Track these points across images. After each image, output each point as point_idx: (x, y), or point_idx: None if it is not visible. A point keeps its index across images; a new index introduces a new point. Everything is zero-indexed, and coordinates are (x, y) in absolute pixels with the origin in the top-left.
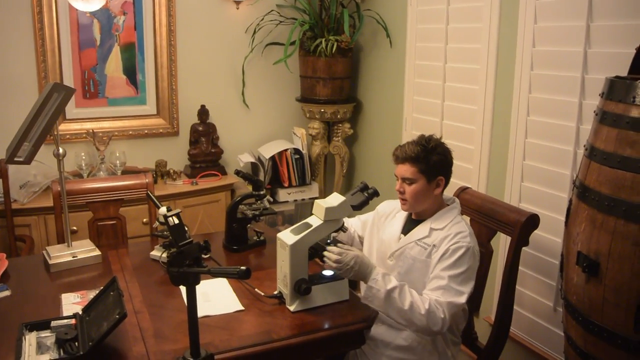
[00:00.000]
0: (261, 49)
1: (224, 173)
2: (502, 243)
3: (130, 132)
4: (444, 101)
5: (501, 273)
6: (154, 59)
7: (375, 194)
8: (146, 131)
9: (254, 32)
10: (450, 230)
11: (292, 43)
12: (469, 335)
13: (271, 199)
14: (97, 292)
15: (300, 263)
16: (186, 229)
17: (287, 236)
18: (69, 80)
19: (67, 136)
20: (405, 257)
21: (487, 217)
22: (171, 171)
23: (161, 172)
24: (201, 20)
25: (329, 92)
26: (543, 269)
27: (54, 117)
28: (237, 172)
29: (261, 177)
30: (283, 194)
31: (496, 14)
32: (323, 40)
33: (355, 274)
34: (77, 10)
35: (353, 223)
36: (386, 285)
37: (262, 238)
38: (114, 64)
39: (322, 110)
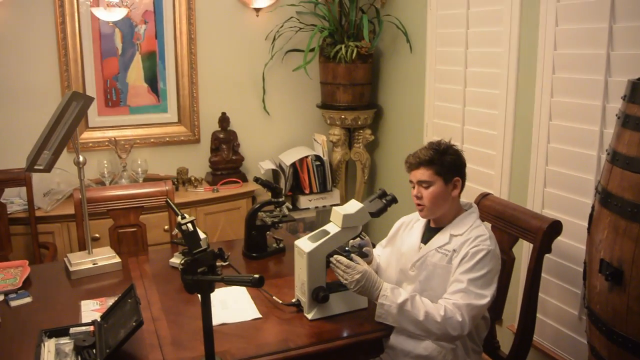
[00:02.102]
0: (281, 56)
1: (245, 180)
2: (524, 250)
3: (152, 140)
4: (465, 106)
5: (524, 280)
6: (175, 67)
7: (394, 200)
8: (167, 139)
9: (274, 39)
10: (470, 235)
11: (312, 50)
12: (490, 344)
13: (290, 206)
14: (116, 299)
15: (317, 271)
16: (204, 236)
17: (305, 243)
18: (91, 89)
19: (90, 144)
20: (427, 265)
21: (508, 224)
22: (192, 178)
23: (182, 179)
24: (221, 27)
25: (350, 98)
26: (567, 276)
27: (74, 125)
28: (256, 180)
29: (282, 184)
30: (304, 201)
31: (516, 17)
32: (343, 46)
33: (361, 289)
34: (99, 19)
35: (377, 252)
36: (397, 299)
37: (281, 245)
38: (136, 73)
39: (343, 116)
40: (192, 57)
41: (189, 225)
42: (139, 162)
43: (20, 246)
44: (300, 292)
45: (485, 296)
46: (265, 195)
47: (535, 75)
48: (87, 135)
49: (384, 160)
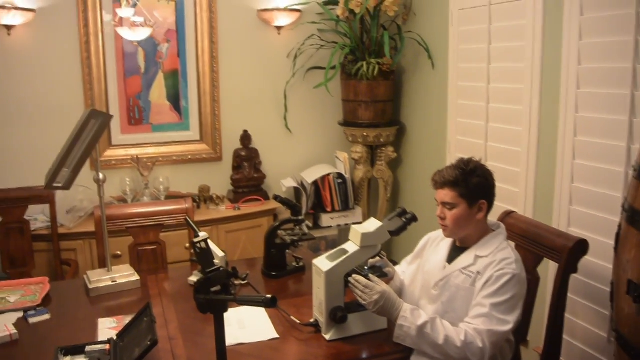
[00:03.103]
0: (303, 74)
1: (266, 198)
2: (550, 270)
3: (174, 158)
4: (488, 123)
5: (549, 301)
6: (197, 86)
7: (414, 219)
8: (189, 156)
9: (295, 57)
10: (495, 257)
11: (333, 67)
12: None
13: (310, 225)
14: (133, 317)
15: (336, 290)
16: (222, 254)
17: (323, 263)
18: (114, 107)
19: (113, 162)
20: (450, 286)
21: (532, 243)
22: (214, 196)
23: (204, 197)
24: (243, 46)
25: (372, 115)
26: (595, 297)
27: (93, 142)
28: (276, 197)
29: (304, 202)
30: (326, 219)
31: (539, 31)
32: (364, 63)
33: (380, 310)
34: (122, 39)
35: (402, 269)
36: (416, 321)
37: (301, 264)
38: (158, 91)
39: (365, 134)
40: (214, 75)
41: (202, 243)
42: (161, 180)
43: (43, 263)
44: (319, 312)
45: (508, 322)
46: (286, 213)
47: (560, 90)
48: (109, 153)
49: (406, 178)
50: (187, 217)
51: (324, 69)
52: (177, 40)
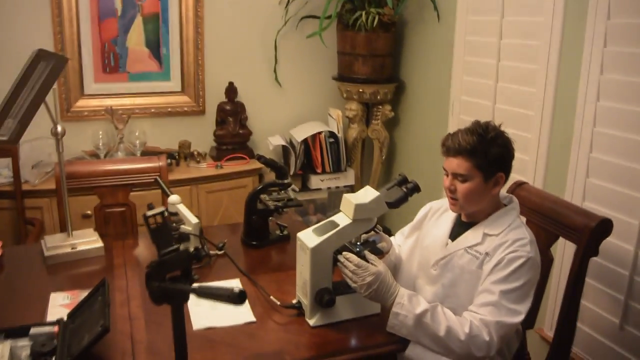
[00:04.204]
0: (296, 22)
1: (252, 156)
2: (564, 250)
3: (153, 110)
4: (498, 82)
5: (558, 283)
6: (179, 32)
7: (416, 189)
8: (169, 109)
9: (288, 3)
10: (507, 237)
11: (329, 16)
12: (519, 355)
13: (297, 189)
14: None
15: (323, 269)
16: (196, 220)
17: (309, 237)
18: (87, 53)
19: (85, 113)
20: (453, 266)
21: (547, 219)
22: (195, 153)
23: (184, 153)
24: None
25: (369, 70)
26: (609, 279)
27: (44, 88)
28: (259, 158)
29: (292, 161)
30: (316, 181)
31: None
32: (363, 12)
33: (373, 294)
34: None
35: (398, 241)
36: (414, 309)
37: (285, 233)
38: (136, 36)
39: (361, 90)
40: (198, 21)
41: (158, 217)
42: (137, 134)
43: (6, 222)
44: (302, 293)
45: (519, 313)
46: (272, 174)
47: (583, 48)
48: (82, 104)
49: (404, 140)
50: (157, 178)
51: (318, 17)
52: None
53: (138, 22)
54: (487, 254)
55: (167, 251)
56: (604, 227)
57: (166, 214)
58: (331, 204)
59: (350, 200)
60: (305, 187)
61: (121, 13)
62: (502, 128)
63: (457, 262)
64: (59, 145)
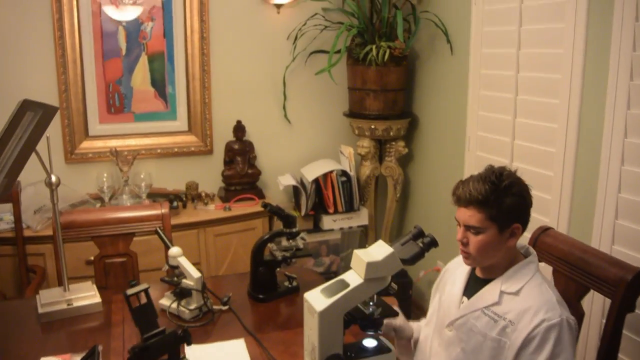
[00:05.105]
0: (304, 58)
1: (261, 197)
2: (592, 301)
3: (159, 151)
4: (516, 117)
5: (587, 337)
6: (185, 70)
7: (433, 243)
8: (176, 149)
9: (296, 39)
10: (529, 300)
11: (338, 51)
12: None
13: (305, 238)
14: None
15: (333, 334)
16: (198, 274)
17: (317, 298)
18: (92, 94)
19: (90, 155)
20: (470, 330)
21: (576, 270)
22: (203, 194)
23: (192, 195)
24: (237, 26)
25: (381, 105)
26: None
27: (32, 140)
28: (265, 206)
29: (303, 202)
30: (328, 221)
31: (583, 10)
32: (374, 47)
33: None
34: (100, 15)
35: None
36: None
37: (295, 284)
38: (141, 76)
39: (373, 126)
40: (204, 59)
41: (142, 295)
42: (142, 176)
43: (8, 269)
44: (311, 358)
45: None
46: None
47: (607, 81)
48: (86, 145)
49: (419, 177)
50: (157, 229)
51: (327, 52)
52: (162, 19)
53: (143, 61)
54: (510, 322)
55: (151, 334)
56: None
57: (149, 291)
58: (344, 245)
59: (362, 257)
60: (317, 228)
61: (126, 52)
62: (521, 165)
63: (475, 325)
64: (53, 196)
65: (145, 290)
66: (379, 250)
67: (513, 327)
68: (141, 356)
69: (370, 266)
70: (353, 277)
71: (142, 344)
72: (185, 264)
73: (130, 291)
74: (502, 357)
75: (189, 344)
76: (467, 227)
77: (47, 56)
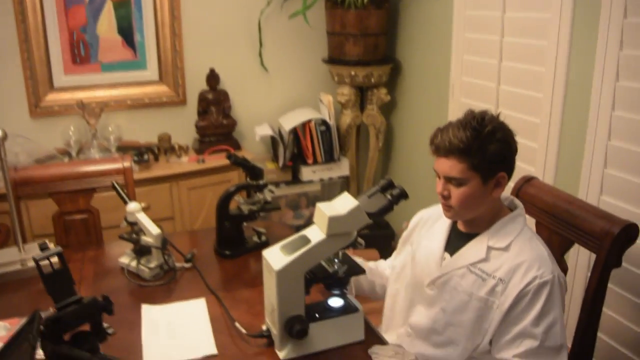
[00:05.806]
0: (280, 2)
1: (237, 148)
2: (578, 254)
3: (129, 102)
4: (502, 61)
5: (572, 291)
6: (153, 16)
7: (402, 196)
8: (147, 100)
9: None
10: (520, 255)
11: None
12: None
13: (274, 190)
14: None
15: (293, 294)
16: (158, 231)
17: (275, 256)
18: (55, 43)
19: (56, 108)
20: (454, 288)
21: (561, 222)
22: (176, 146)
23: (164, 147)
24: None
25: (361, 51)
26: (631, 285)
27: None
28: (229, 157)
29: (280, 152)
30: (307, 173)
31: None
32: None
33: None
34: None
35: (388, 264)
36: None
37: (264, 239)
38: (107, 23)
39: (353, 73)
40: (173, 3)
41: (54, 259)
42: (111, 129)
43: None
44: (271, 320)
45: (563, 347)
46: (260, 164)
47: (599, 21)
48: (51, 98)
49: (402, 125)
50: (113, 183)
51: None
52: None
53: (108, 7)
54: (500, 279)
55: (65, 304)
56: (629, 233)
57: (63, 254)
58: (324, 197)
59: (324, 211)
60: (296, 179)
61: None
62: (506, 111)
63: (460, 283)
64: (0, 150)
65: (59, 254)
66: (343, 203)
67: (504, 286)
68: (53, 328)
69: (333, 220)
70: (315, 233)
71: (55, 315)
72: (144, 220)
73: (41, 254)
74: (487, 317)
75: (109, 313)
76: (448, 179)
77: (3, 4)
